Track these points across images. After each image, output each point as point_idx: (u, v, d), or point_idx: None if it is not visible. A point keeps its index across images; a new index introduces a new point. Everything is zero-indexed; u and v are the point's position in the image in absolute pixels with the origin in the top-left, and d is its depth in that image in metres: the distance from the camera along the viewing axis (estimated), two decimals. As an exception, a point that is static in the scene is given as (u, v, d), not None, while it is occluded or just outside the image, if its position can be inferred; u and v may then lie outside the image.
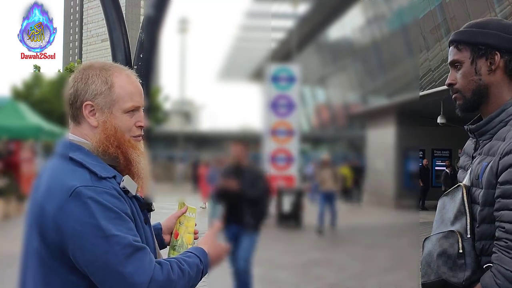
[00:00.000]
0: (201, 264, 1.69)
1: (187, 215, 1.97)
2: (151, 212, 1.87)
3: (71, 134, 1.69)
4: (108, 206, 1.53)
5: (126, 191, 1.63)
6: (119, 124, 1.66)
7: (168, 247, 1.97)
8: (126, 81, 1.69)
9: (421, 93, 14.30)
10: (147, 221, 1.73)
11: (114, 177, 1.63)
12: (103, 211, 1.52)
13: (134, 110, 1.69)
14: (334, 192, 13.13)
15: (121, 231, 1.52)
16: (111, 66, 1.71)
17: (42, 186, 1.61)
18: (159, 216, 2.07)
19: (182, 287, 1.60)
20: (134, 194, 1.66)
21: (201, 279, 1.70)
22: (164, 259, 1.64)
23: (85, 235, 1.50)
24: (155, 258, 1.68)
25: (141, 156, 1.71)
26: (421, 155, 18.96)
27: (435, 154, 20.44)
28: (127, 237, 1.52)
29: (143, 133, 1.75)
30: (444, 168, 16.74)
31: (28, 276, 1.61)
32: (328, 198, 12.93)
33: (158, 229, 1.95)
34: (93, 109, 1.66)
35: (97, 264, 1.50)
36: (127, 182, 1.64)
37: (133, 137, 1.70)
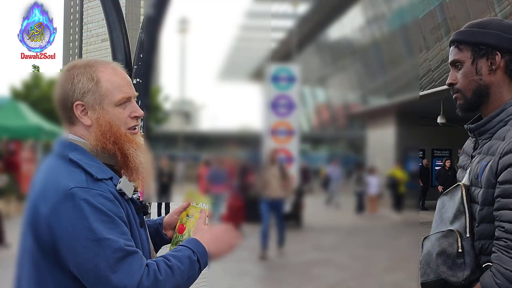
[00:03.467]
0: (194, 255, 1.64)
1: (198, 207, 1.88)
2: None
3: (69, 134, 1.67)
4: (101, 209, 1.52)
5: (122, 193, 1.62)
6: (113, 119, 1.64)
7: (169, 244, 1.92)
8: (112, 74, 1.67)
9: (421, 93, 14.33)
10: (142, 224, 1.70)
11: (111, 178, 1.61)
12: (96, 214, 1.51)
13: (125, 101, 1.67)
14: (281, 199, 9.84)
15: (113, 235, 1.50)
16: (95, 62, 1.69)
17: (37, 185, 1.60)
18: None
19: (174, 283, 1.57)
20: (130, 196, 1.64)
21: (201, 269, 1.66)
22: (152, 260, 1.60)
23: (77, 237, 1.49)
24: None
25: (139, 150, 1.68)
26: (421, 155, 18.82)
27: (435, 154, 20.33)
28: (118, 241, 1.50)
29: (140, 123, 1.73)
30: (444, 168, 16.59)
31: (23, 275, 1.61)
32: (274, 208, 9.62)
33: (157, 225, 1.93)
34: (84, 108, 1.64)
35: (87, 267, 1.49)
36: (123, 184, 1.62)
37: (130, 129, 1.68)
